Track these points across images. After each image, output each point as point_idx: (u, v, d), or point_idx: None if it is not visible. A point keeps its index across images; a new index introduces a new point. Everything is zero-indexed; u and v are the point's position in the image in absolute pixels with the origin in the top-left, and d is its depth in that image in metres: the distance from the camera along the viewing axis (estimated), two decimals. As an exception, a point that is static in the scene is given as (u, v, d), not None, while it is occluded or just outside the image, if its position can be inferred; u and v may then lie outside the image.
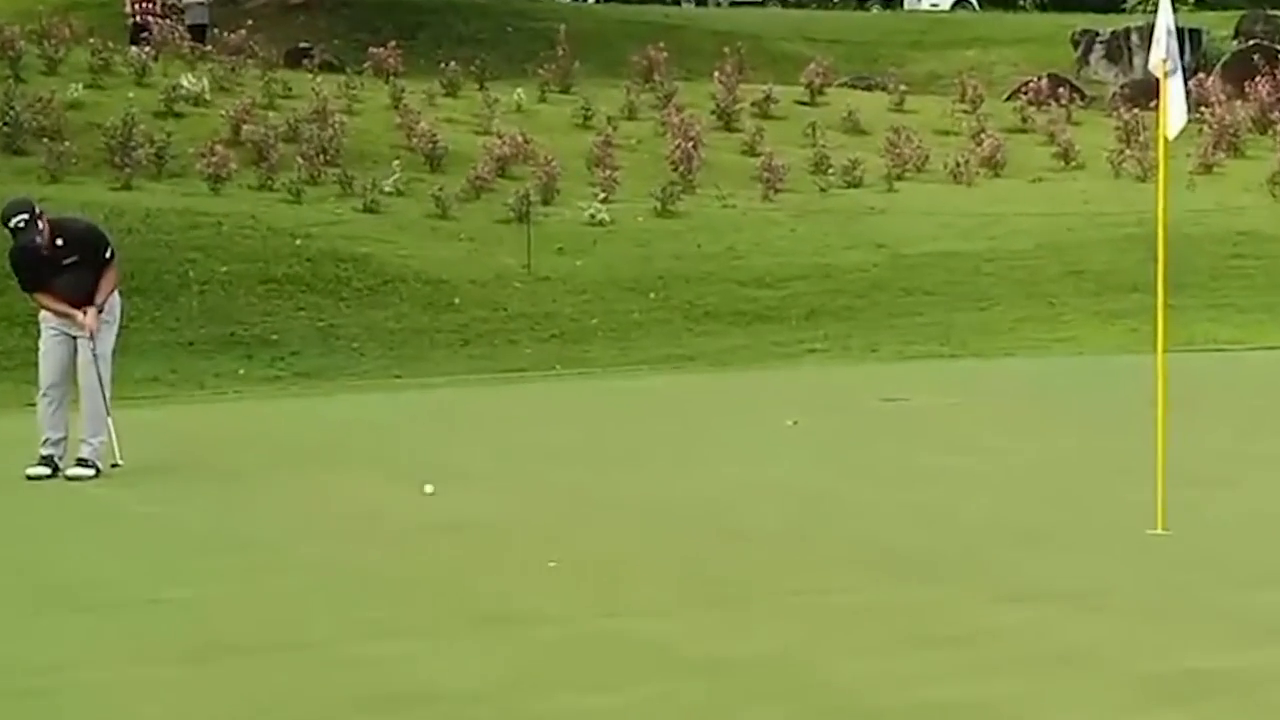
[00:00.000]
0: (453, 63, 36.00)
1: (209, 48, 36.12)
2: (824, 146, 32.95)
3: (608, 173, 30.57)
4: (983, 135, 34.00)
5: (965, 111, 36.04)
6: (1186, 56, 38.55)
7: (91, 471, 13.15)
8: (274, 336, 23.03)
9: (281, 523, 11.55)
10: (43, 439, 13.26)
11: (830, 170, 32.02)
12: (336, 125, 31.25)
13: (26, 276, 13.36)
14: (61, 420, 13.31)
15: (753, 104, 35.63)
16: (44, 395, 13.38)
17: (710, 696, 7.19)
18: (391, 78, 35.15)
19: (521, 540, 10.74)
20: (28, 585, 9.86)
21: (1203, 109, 34.19)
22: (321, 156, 29.99)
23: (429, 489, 11.34)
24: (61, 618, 8.93)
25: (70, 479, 13.08)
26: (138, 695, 7.35)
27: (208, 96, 32.84)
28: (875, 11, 50.86)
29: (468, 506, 11.86)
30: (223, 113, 31.41)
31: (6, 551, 10.96)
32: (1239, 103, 35.83)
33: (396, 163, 29.97)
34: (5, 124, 29.58)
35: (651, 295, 25.68)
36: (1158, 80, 10.75)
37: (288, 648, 8.14)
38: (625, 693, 7.24)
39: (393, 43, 36.82)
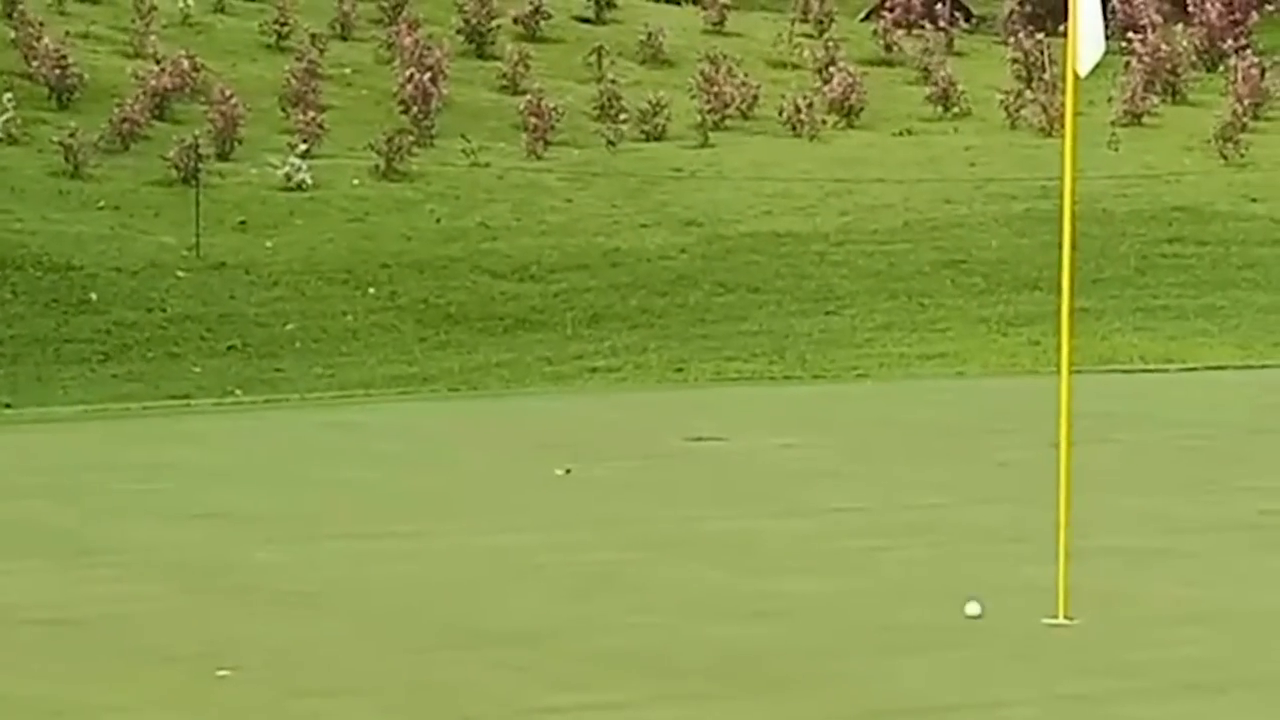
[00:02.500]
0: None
1: None
2: (614, 83, 33.12)
3: (311, 116, 30.44)
4: (832, 69, 34.39)
5: (808, 36, 36.46)
6: (1110, -36, 39.38)
7: None
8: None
9: None
10: None
11: (623, 116, 32.19)
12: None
13: None
14: None
15: (515, 20, 35.72)
16: None
17: None
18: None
19: (166, 639, 10.64)
20: None
21: (1130, 35, 34.91)
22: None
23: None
24: None
25: None
26: None
27: None
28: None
29: (95, 594, 11.76)
30: None
31: None
32: (1179, 27, 36.56)
33: (9, 96, 29.53)
34: None
35: (371, 291, 25.62)
36: None
37: None
38: None
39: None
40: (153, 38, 32.59)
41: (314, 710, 9.53)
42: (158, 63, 31.24)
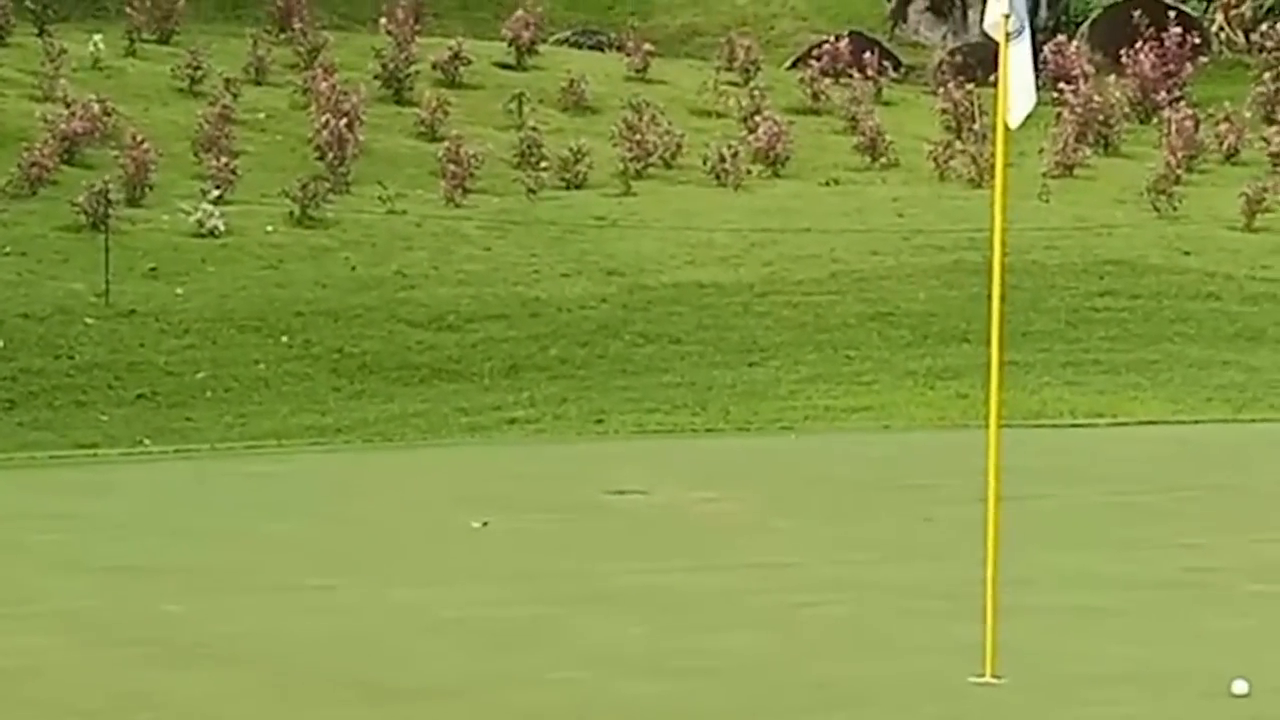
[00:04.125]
0: (-1, -10, 35.62)
1: None
2: (535, 130, 33.13)
3: (224, 161, 30.36)
4: (757, 118, 34.46)
5: (733, 84, 36.51)
6: (1043, 11, 39.66)
7: None
8: None
9: None
10: None
11: (543, 164, 32.20)
12: None
13: None
14: None
15: (435, 66, 35.71)
16: None
17: None
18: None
19: (72, 694, 10.63)
20: None
21: (1063, 86, 35.10)
22: None
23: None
24: None
25: None
26: None
27: None
28: (611, -62, 51.31)
29: None
30: None
31: None
32: (1112, 78, 36.79)
33: (-87, 140, 29.45)
34: None
35: (285, 339, 25.57)
36: (998, 45, 10.93)
37: None
38: None
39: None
40: (63, 81, 32.50)
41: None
42: (67, 106, 31.14)
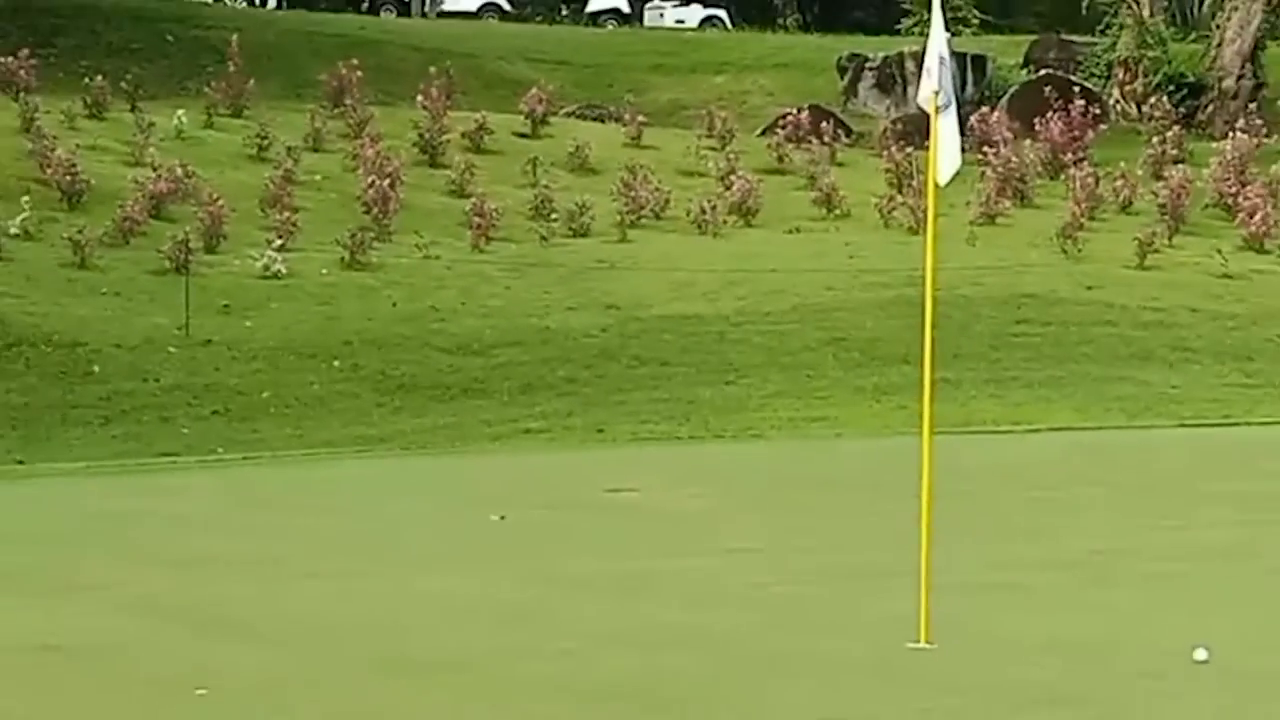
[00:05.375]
0: (99, 77, 35.43)
1: None
2: (547, 188, 33.07)
3: (286, 215, 30.30)
4: (733, 177, 34.40)
5: (713, 149, 36.45)
6: (969, 87, 39.60)
7: None
8: None
9: None
10: None
11: (553, 216, 32.13)
12: (-50, 153, 30.57)
13: None
14: None
15: (463, 135, 35.66)
16: None
17: None
18: (22, 94, 34.46)
19: (148, 665, 10.50)
20: None
21: (986, 149, 35.05)
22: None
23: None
24: None
25: None
26: None
27: None
28: (610, 29, 51.24)
29: (84, 625, 11.61)
30: None
31: None
32: (1028, 142, 36.76)
33: (26, 199, 29.32)
34: None
35: (336, 364, 25.44)
36: (930, 116, 10.91)
37: None
38: None
39: (24, 52, 36.07)
40: (151, 149, 32.47)
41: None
42: (155, 170, 31.09)
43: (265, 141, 33.92)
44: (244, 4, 48.92)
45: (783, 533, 15.49)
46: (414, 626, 11.69)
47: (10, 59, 35.75)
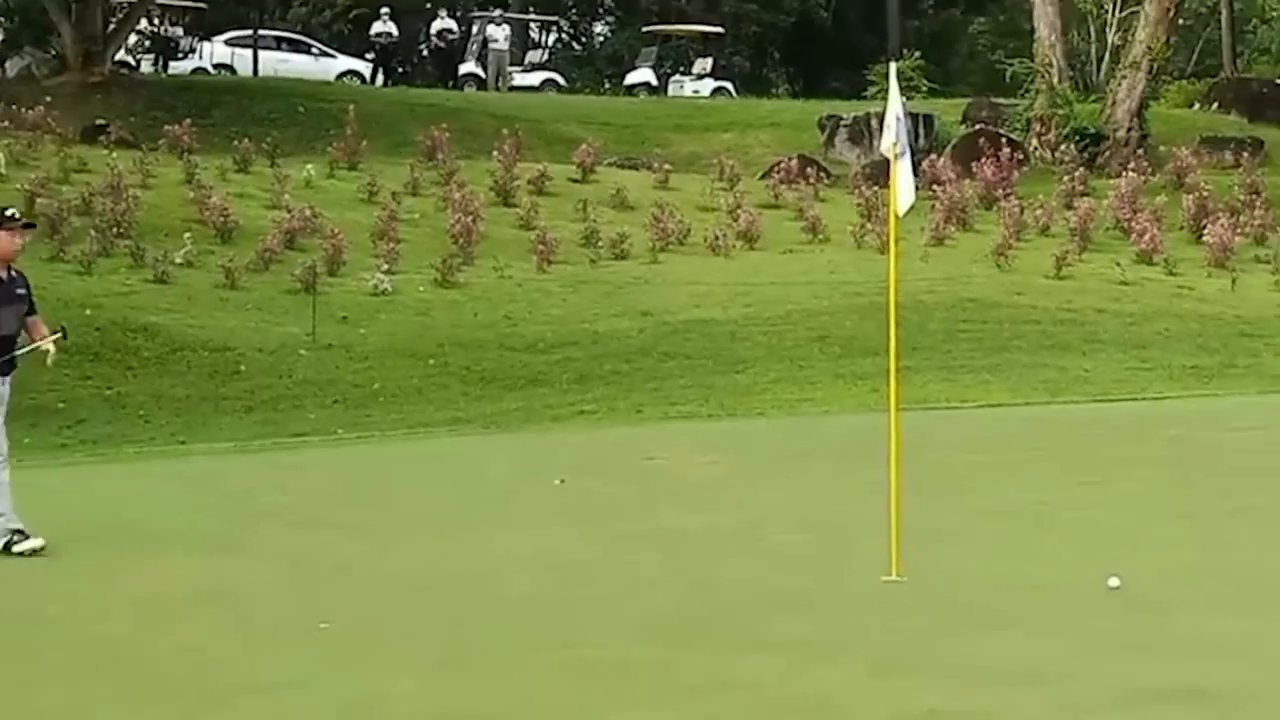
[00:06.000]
0: (245, 140, 35.28)
1: (3, 123, 35.01)
2: (594, 221, 32.87)
3: (391, 245, 30.17)
4: (739, 211, 34.18)
5: (723, 189, 36.23)
6: (921, 139, 39.29)
7: None
8: (61, 405, 22.16)
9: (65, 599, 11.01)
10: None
11: (599, 243, 31.93)
12: (130, 199, 30.51)
13: None
14: None
15: (529, 181, 35.47)
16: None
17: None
18: (186, 154, 34.37)
19: (284, 607, 10.41)
20: None
21: (935, 187, 34.85)
22: (114, 229, 29.25)
23: (1114, 582, 10.22)
24: None
25: None
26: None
27: (3, 171, 31.82)
28: (642, 98, 50.90)
29: (235, 575, 11.49)
30: (17, 186, 30.16)
31: None
32: (967, 181, 36.52)
33: (188, 235, 29.24)
34: None
35: (430, 361, 25.28)
36: (889, 162, 10.84)
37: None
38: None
39: (188, 121, 36.10)
40: (286, 196, 32.38)
41: (386, 653, 9.34)
42: (288, 212, 31.00)
43: (374, 188, 33.77)
44: (358, 83, 48.75)
45: (783, 493, 15.32)
46: (493, 575, 11.52)
47: (177, 127, 35.71)
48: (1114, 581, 10.24)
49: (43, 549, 12.06)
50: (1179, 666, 8.47)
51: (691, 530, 13.09)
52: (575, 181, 36.35)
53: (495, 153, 35.90)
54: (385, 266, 29.15)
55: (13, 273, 12.23)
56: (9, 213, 12.28)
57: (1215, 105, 46.63)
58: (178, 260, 28.17)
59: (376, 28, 50.90)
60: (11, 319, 12.16)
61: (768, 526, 13.19)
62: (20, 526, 12.10)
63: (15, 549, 12.03)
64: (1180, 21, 45.94)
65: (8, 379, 12.26)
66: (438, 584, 11.13)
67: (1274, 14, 66.49)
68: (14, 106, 36.14)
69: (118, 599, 10.76)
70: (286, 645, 9.30)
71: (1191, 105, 48.06)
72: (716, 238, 32.31)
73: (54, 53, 43.85)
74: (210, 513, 14.54)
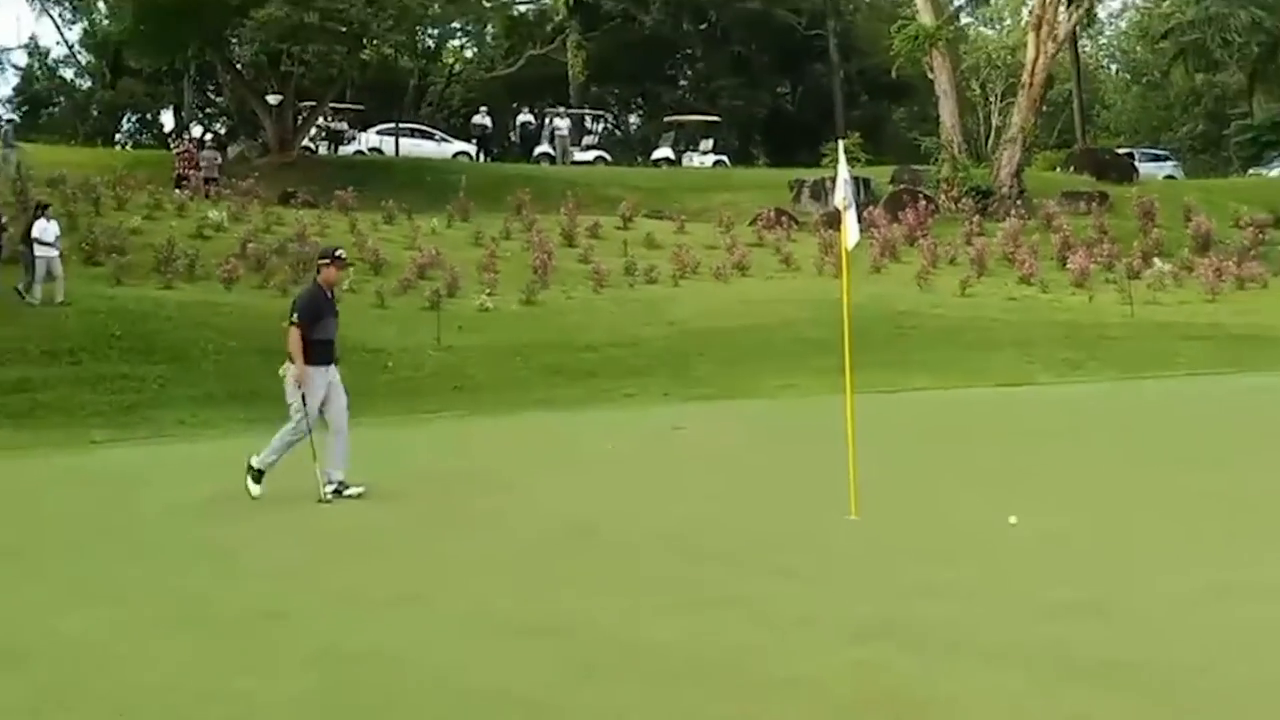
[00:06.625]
0: (390, 201, 35.38)
1: (226, 190, 35.81)
2: (633, 257, 32.75)
3: (491, 275, 30.12)
4: (734, 249, 34.03)
5: (723, 233, 36.06)
6: (861, 195, 39.02)
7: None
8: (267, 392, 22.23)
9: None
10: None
11: (636, 273, 31.82)
12: (312, 244, 30.66)
13: (312, 310, 11.45)
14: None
15: (586, 229, 35.36)
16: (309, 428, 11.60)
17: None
18: (349, 211, 34.72)
19: (423, 544, 10.26)
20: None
21: (873, 230, 34.60)
22: (301, 265, 29.35)
23: (1013, 520, 9.83)
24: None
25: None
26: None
27: (225, 225, 32.52)
28: (664, 169, 50.83)
29: (389, 515, 11.40)
30: (235, 235, 30.97)
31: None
32: (895, 225, 36.28)
33: (351, 269, 29.16)
34: (86, 243, 29.28)
35: (519, 360, 25.21)
36: (840, 212, 10.90)
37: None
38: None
39: (350, 188, 36.33)
40: (418, 239, 32.39)
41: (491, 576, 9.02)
42: (420, 251, 30.97)
43: (479, 235, 33.77)
44: (467, 160, 48.75)
45: (775, 455, 15.19)
46: (586, 505, 11.31)
47: (343, 192, 36.01)
48: (1013, 519, 10.10)
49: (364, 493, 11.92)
50: (1076, 588, 8.33)
51: (710, 481, 12.98)
52: (619, 229, 36.18)
53: (562, 208, 35.90)
54: (488, 291, 29.09)
55: (332, 294, 12.26)
56: (338, 252, 12.43)
57: (1071, 168, 46.37)
58: (345, 287, 28.11)
59: (476, 120, 50.91)
60: (335, 326, 11.99)
61: (766, 478, 13.09)
62: (343, 478, 12.08)
63: (345, 493, 12.02)
64: (1044, 108, 45.79)
65: (334, 369, 12.23)
66: (536, 516, 10.98)
67: (1112, 102, 67.35)
68: (232, 179, 37.26)
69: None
70: (434, 569, 9.15)
71: (1054, 169, 47.84)
72: (719, 268, 32.19)
73: (260, 141, 44.80)
74: (371, 469, 14.48)
